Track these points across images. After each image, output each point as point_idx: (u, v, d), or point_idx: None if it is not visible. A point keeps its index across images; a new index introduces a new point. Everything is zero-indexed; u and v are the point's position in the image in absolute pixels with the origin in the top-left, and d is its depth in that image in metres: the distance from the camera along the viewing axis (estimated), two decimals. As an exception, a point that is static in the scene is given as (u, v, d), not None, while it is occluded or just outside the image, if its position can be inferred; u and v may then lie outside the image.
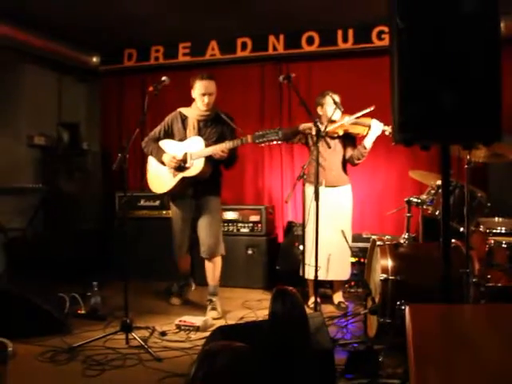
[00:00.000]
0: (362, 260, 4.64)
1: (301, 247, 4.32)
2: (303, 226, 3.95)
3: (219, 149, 3.90)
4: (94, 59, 6.19)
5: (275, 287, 2.44)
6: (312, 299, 4.23)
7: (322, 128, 3.84)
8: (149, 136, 4.26)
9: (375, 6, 4.18)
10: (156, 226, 5.47)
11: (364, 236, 4.92)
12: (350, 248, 4.18)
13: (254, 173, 5.97)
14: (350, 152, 4.34)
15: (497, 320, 1.43)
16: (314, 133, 3.82)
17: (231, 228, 5.33)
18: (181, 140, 4.15)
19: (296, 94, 3.75)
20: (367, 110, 4.02)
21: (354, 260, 4.64)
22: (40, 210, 5.62)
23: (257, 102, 5.94)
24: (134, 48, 6.11)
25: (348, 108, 4.25)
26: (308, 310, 3.80)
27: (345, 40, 5.40)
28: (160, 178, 4.17)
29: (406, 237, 3.53)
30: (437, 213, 3.48)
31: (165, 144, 4.18)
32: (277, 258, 5.17)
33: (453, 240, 3.21)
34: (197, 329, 3.70)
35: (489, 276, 3.28)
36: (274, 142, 3.81)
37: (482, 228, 3.59)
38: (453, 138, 1.95)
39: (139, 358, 3.16)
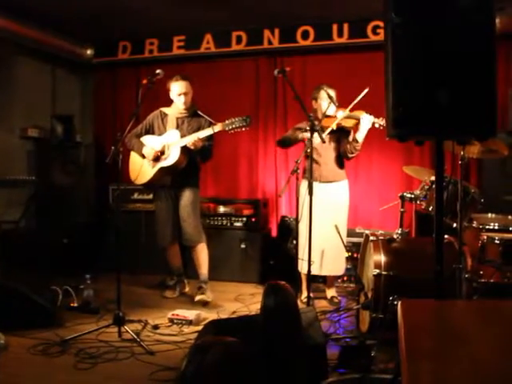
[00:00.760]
0: (355, 255, 4.64)
1: (294, 242, 4.32)
2: (297, 220, 3.94)
3: (191, 138, 4.07)
4: (88, 52, 6.15)
5: (267, 282, 2.44)
6: (305, 294, 4.24)
7: (317, 123, 3.84)
8: (131, 132, 4.36)
9: (371, 0, 4.17)
10: (149, 219, 5.45)
11: (357, 231, 4.92)
12: (344, 244, 4.18)
13: (249, 167, 5.96)
14: (343, 146, 4.33)
15: (488, 316, 1.44)
16: (308, 127, 3.81)
17: (225, 222, 5.32)
18: (160, 135, 4.32)
19: (291, 88, 3.74)
20: (362, 95, 3.96)
21: (347, 255, 4.64)
22: (33, 202, 5.59)
23: (251, 96, 5.92)
24: (128, 41, 6.07)
25: (343, 103, 4.24)
26: (301, 305, 3.82)
27: (340, 34, 5.38)
28: (140, 169, 4.32)
29: (400, 232, 3.54)
30: (430, 208, 3.49)
31: (145, 139, 4.34)
32: (270, 253, 5.18)
33: (446, 236, 3.22)
34: (189, 322, 3.70)
35: (481, 272, 3.30)
36: (243, 129, 4.03)
37: (474, 224, 3.60)
38: (447, 133, 1.94)
39: (131, 352, 3.16)
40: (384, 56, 1.93)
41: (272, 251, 5.21)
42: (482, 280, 3.23)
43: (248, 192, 5.94)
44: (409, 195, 3.61)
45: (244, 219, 5.28)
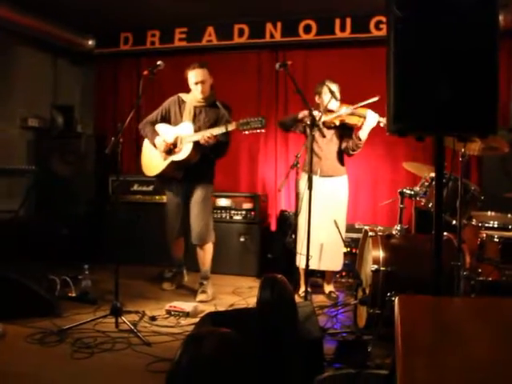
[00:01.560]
0: (354, 250, 4.64)
1: (293, 236, 4.32)
2: (296, 214, 3.94)
3: (205, 134, 3.92)
4: (90, 42, 6.13)
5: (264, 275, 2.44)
6: (303, 288, 4.24)
7: (318, 117, 3.83)
8: (146, 119, 4.29)
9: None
10: (149, 210, 5.46)
11: (356, 226, 4.92)
12: (343, 239, 4.19)
13: (249, 161, 5.96)
14: (345, 143, 4.32)
15: (485, 313, 1.43)
16: (308, 122, 3.80)
17: (224, 215, 5.32)
18: (176, 124, 4.18)
19: (292, 81, 3.73)
20: (370, 101, 3.95)
21: (345, 250, 4.64)
22: (32, 192, 5.59)
23: (253, 89, 5.91)
24: (130, 32, 6.05)
25: (344, 97, 4.23)
26: (298, 300, 3.82)
27: (342, 29, 5.36)
28: (152, 160, 4.22)
29: (399, 228, 3.53)
30: (430, 205, 3.48)
31: (160, 127, 4.21)
32: (269, 247, 5.18)
33: (445, 233, 3.22)
34: (187, 314, 3.71)
35: (480, 270, 3.30)
36: (258, 131, 3.85)
37: (474, 221, 3.60)
38: (448, 129, 1.93)
39: (128, 342, 3.17)
40: (386, 51, 1.92)
41: (271, 245, 5.22)
42: (481, 278, 3.23)
43: (248, 186, 5.94)
44: (408, 191, 3.61)
45: (243, 213, 5.28)
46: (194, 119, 4.15)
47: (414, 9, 1.86)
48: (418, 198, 3.60)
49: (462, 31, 1.83)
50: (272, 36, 5.59)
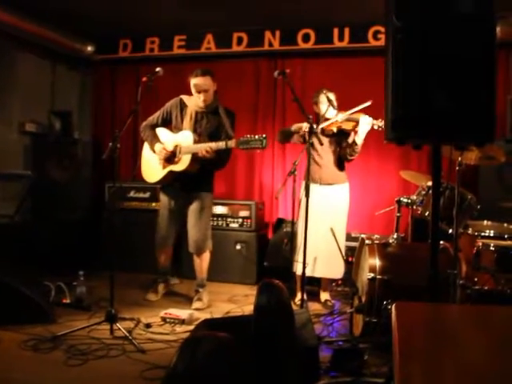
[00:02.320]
0: (350, 259, 4.64)
1: (289, 244, 4.31)
2: (292, 222, 3.94)
3: (203, 148, 3.88)
4: (89, 48, 6.14)
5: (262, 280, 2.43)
6: (299, 296, 4.23)
7: (315, 125, 3.84)
8: (147, 121, 4.22)
9: (372, 5, 4.19)
10: (145, 217, 5.43)
11: (353, 235, 4.92)
12: (339, 247, 4.17)
13: (246, 168, 5.96)
14: (343, 148, 4.34)
15: (481, 320, 1.44)
16: (306, 130, 3.82)
17: (220, 223, 5.31)
18: (176, 128, 4.15)
19: (290, 90, 3.74)
20: (364, 105, 4.00)
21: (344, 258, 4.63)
22: (28, 197, 5.56)
23: (251, 97, 5.92)
24: (129, 38, 6.07)
25: (342, 107, 4.25)
26: (294, 307, 3.81)
27: (341, 38, 5.39)
28: (151, 167, 4.18)
29: (395, 237, 3.54)
30: (426, 214, 3.49)
31: (160, 133, 4.17)
32: (265, 254, 5.17)
33: (441, 241, 3.23)
34: (182, 322, 3.70)
35: (476, 279, 3.30)
36: (258, 151, 3.82)
37: (470, 230, 3.61)
38: (445, 137, 1.94)
39: (123, 349, 3.15)
40: (384, 60, 1.93)
41: (267, 253, 5.20)
42: (477, 287, 3.23)
43: (245, 193, 5.94)
44: (405, 200, 3.62)
45: (240, 220, 5.27)
46: (195, 124, 4.11)
47: (412, 19, 1.88)
48: (414, 207, 3.61)
49: (459, 41, 1.85)
50: (271, 44, 5.61)
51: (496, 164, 3.69)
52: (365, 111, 4.09)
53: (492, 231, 3.57)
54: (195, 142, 3.98)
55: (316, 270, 4.29)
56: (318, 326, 3.74)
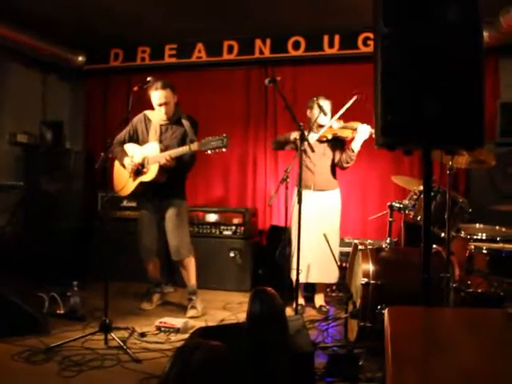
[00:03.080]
0: (344, 264, 4.64)
1: (283, 251, 4.31)
2: (287, 228, 3.94)
3: (163, 156, 3.95)
4: (80, 58, 6.14)
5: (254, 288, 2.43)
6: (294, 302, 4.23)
7: (306, 131, 3.85)
8: (115, 139, 4.23)
9: (362, 12, 4.21)
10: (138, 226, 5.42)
11: (346, 240, 4.93)
12: (333, 252, 4.17)
13: (239, 175, 5.96)
14: (338, 156, 4.36)
15: (474, 323, 1.44)
16: (297, 137, 3.84)
17: (214, 230, 5.31)
18: (143, 142, 4.21)
19: (281, 97, 3.76)
20: (350, 102, 4.02)
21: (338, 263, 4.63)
22: (20, 208, 5.54)
23: (242, 105, 5.93)
24: (120, 48, 6.08)
25: (333, 113, 4.27)
26: (289, 313, 3.81)
27: (331, 45, 5.42)
28: (122, 180, 4.22)
29: (388, 241, 3.55)
30: (419, 218, 3.50)
31: (128, 148, 4.24)
32: (259, 262, 5.17)
33: (434, 245, 3.24)
34: (177, 330, 3.68)
35: (469, 282, 3.31)
36: (223, 150, 3.73)
37: (462, 234, 3.63)
38: (435, 142, 1.96)
39: (118, 359, 3.13)
40: (373, 66, 1.95)
41: (261, 260, 5.20)
42: (470, 290, 3.24)
43: (238, 200, 5.94)
44: (398, 205, 3.63)
45: (233, 228, 5.27)
46: (161, 136, 4.17)
47: (400, 25, 1.90)
48: (407, 212, 3.62)
49: (447, 46, 1.86)
50: (261, 52, 5.63)
51: (486, 167, 3.71)
52: (359, 120, 4.11)
53: (484, 234, 3.59)
54: (162, 151, 4.03)
55: (310, 276, 4.31)
56: (313, 332, 3.73)
